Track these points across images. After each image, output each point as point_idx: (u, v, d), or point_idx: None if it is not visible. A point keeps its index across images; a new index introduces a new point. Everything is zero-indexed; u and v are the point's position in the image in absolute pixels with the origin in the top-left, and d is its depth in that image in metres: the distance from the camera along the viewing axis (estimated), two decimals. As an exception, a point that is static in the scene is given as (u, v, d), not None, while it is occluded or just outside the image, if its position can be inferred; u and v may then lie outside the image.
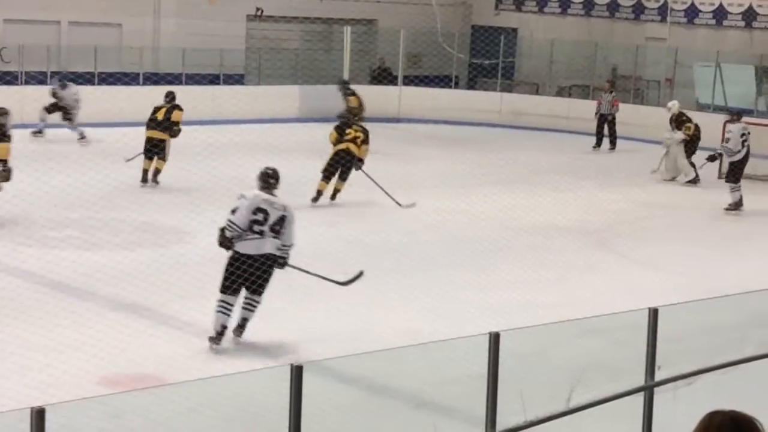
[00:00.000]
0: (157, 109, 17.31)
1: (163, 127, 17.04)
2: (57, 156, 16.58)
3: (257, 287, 9.37)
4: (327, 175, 15.91)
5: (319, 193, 15.84)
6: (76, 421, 6.23)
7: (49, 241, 13.04)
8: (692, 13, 26.66)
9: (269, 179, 9.67)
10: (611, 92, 23.72)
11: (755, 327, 8.23)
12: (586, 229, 15.23)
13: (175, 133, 17.14)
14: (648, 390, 6.74)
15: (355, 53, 26.51)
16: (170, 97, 17.53)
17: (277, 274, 9.63)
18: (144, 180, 16.78)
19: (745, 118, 19.95)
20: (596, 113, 23.44)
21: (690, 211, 16.99)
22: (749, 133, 17.44)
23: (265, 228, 9.31)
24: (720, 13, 26.16)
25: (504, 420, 5.94)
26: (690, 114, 21.05)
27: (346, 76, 25.74)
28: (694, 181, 19.18)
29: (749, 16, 25.62)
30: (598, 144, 23.27)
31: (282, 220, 9.40)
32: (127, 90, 22.28)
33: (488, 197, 17.02)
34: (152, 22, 25.14)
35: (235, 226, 9.28)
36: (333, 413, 7.37)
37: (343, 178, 16.01)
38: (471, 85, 28.77)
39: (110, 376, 8.38)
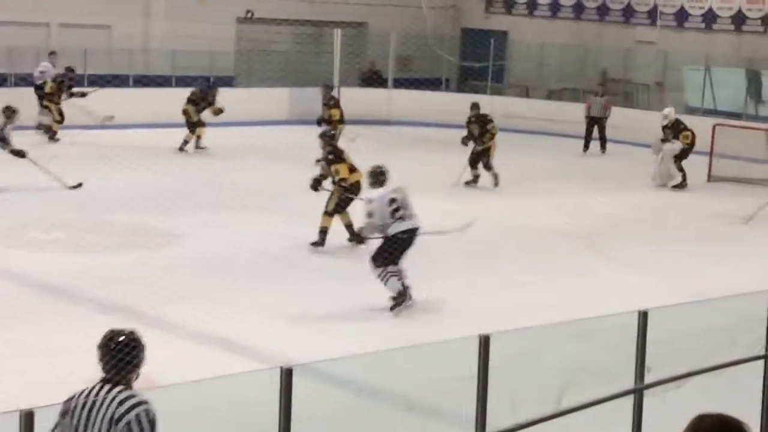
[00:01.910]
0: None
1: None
2: (46, 157, 16.54)
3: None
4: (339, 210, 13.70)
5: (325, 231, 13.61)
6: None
7: (38, 244, 13.02)
8: (682, 16, 26.72)
9: (380, 176, 11.06)
10: (603, 95, 23.76)
11: (744, 329, 8.23)
12: (576, 232, 15.24)
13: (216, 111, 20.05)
14: (637, 392, 6.75)
15: (345, 56, 26.48)
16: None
17: (270, 273, 9.64)
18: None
19: (733, 122, 20.06)
20: (586, 116, 23.46)
21: (679, 215, 17.02)
22: None
23: (405, 211, 10.72)
24: (709, 17, 26.22)
25: (494, 422, 5.94)
26: (679, 117, 21.15)
27: (336, 78, 25.73)
28: (682, 186, 19.19)
29: (738, 19, 25.68)
30: (587, 147, 23.30)
31: (405, 198, 10.82)
32: (117, 92, 22.23)
33: (479, 200, 17.06)
34: (142, 24, 25.10)
35: (376, 224, 10.69)
36: (323, 416, 7.36)
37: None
38: (461, 88, 28.77)
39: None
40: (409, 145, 22.22)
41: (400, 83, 26.48)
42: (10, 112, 16.14)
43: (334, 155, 13.61)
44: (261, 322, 10.17)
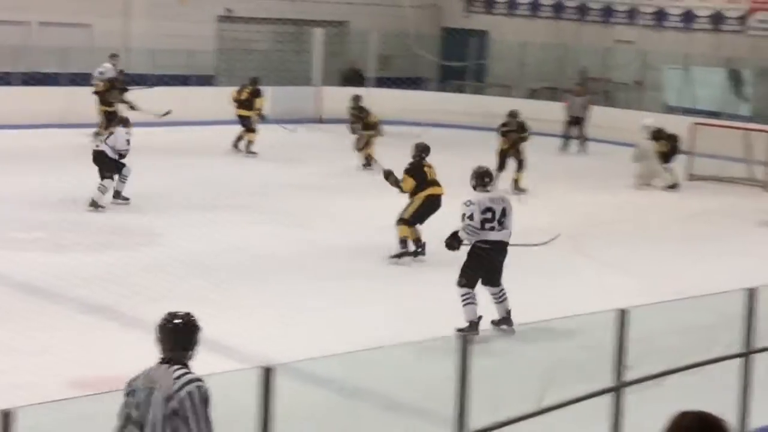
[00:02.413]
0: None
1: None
2: (26, 157, 16.48)
3: (495, 279, 10.16)
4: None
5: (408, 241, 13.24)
6: (45, 424, 6.20)
7: (19, 243, 12.97)
8: (661, 16, 26.82)
9: (485, 178, 10.47)
10: (583, 95, 23.84)
11: (723, 328, 8.28)
12: (557, 231, 15.27)
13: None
14: (617, 390, 6.78)
15: (326, 55, 26.49)
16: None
17: (252, 273, 9.62)
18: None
19: (712, 121, 20.14)
20: (566, 115, 23.55)
21: (659, 214, 17.08)
22: None
23: (495, 224, 10.17)
24: (688, 16, 26.33)
25: (474, 421, 5.95)
26: (657, 116, 21.25)
27: (317, 78, 25.75)
28: (674, 186, 19.13)
29: (717, 19, 25.80)
30: (566, 146, 23.38)
31: (504, 212, 10.24)
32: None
33: (459, 198, 17.06)
34: (122, 23, 25.02)
35: (474, 229, 10.12)
36: (304, 415, 7.36)
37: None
38: (442, 87, 28.80)
39: (79, 379, 8.34)
40: (390, 144, 22.19)
41: (380, 82, 26.46)
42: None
43: (410, 166, 13.42)
44: (242, 321, 10.16)
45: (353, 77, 27.45)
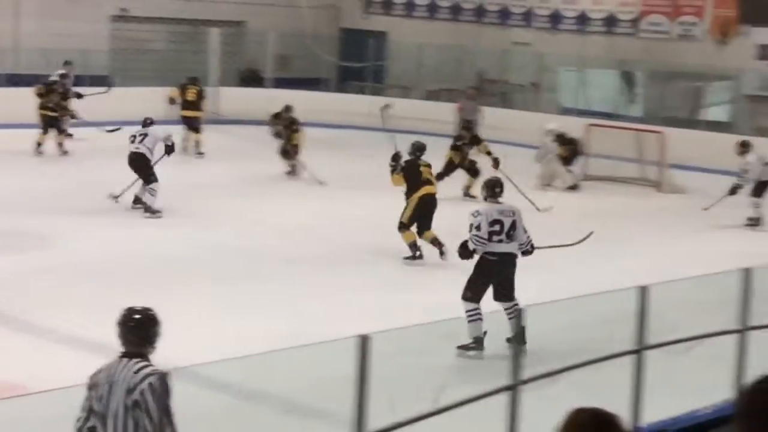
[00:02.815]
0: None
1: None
2: None
3: (507, 293, 9.79)
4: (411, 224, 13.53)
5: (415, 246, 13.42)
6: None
7: None
8: (556, 18, 27.20)
9: (495, 188, 10.28)
10: (476, 98, 24.08)
11: (620, 324, 8.41)
12: (457, 231, 15.37)
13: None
14: (513, 389, 6.83)
15: (223, 55, 26.27)
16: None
17: (152, 276, 9.46)
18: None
19: (606, 122, 20.48)
20: (458, 118, 23.75)
21: (556, 214, 17.27)
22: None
23: (503, 236, 9.94)
24: (582, 19, 26.75)
25: (373, 421, 5.95)
26: (553, 117, 21.52)
27: (214, 78, 25.50)
28: (574, 188, 19.39)
29: (610, 22, 26.26)
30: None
31: (514, 225, 10.02)
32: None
33: (359, 199, 17.09)
34: (12, 23, 24.49)
35: (481, 240, 9.89)
36: (202, 420, 7.28)
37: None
38: (341, 88, 28.80)
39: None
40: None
41: (279, 83, 26.35)
42: None
43: (405, 164, 13.74)
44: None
45: (251, 78, 27.29)
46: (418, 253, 13.27)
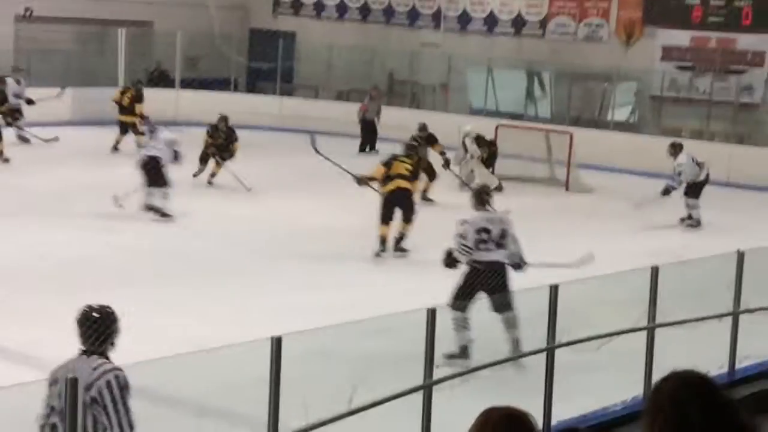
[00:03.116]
0: None
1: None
2: None
3: (503, 303, 9.52)
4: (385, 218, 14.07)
5: (383, 239, 14.06)
6: None
7: None
8: (464, 20, 27.40)
9: (484, 196, 10.18)
10: (379, 99, 24.16)
11: (532, 324, 8.52)
12: (367, 232, 15.41)
13: None
14: (427, 388, 6.87)
15: (130, 56, 25.95)
16: None
17: (54, 279, 9.31)
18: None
19: (515, 122, 20.68)
20: (360, 118, 23.83)
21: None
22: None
23: (490, 245, 9.77)
24: (491, 21, 26.99)
25: (287, 423, 5.94)
26: (463, 118, 21.66)
27: (121, 79, 25.16)
28: (499, 188, 19.41)
29: (518, 23, 26.54)
30: (363, 148, 23.63)
31: (503, 233, 9.85)
32: None
33: (269, 201, 17.02)
34: None
35: (467, 249, 9.74)
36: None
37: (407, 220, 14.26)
38: (250, 89, 28.67)
39: None
40: (199, 146, 21.94)
41: (187, 84, 26.14)
42: None
43: (387, 159, 14.35)
44: (46, 331, 9.83)
45: (159, 78, 27.02)
46: (383, 248, 13.78)
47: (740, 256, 9.14)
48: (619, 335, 9.06)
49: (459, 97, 26.83)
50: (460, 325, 9.53)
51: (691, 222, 16.99)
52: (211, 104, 25.26)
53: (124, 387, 5.35)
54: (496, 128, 21.17)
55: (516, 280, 9.95)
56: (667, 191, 16.98)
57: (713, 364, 9.06)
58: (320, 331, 9.34)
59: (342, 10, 29.29)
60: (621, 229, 16.40)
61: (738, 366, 9.34)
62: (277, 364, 5.80)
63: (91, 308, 5.67)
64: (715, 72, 23.60)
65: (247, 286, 11.86)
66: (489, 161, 19.85)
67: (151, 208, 15.03)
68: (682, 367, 3.06)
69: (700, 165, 17.00)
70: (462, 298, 9.62)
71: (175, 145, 15.46)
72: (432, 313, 6.88)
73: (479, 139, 19.82)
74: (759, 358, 9.69)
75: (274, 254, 13.46)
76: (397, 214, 14.03)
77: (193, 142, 18.74)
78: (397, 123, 23.66)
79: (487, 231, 9.80)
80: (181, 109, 25.30)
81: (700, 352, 9.22)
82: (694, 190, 16.97)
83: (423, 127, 19.33)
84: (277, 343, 5.82)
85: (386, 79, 27.65)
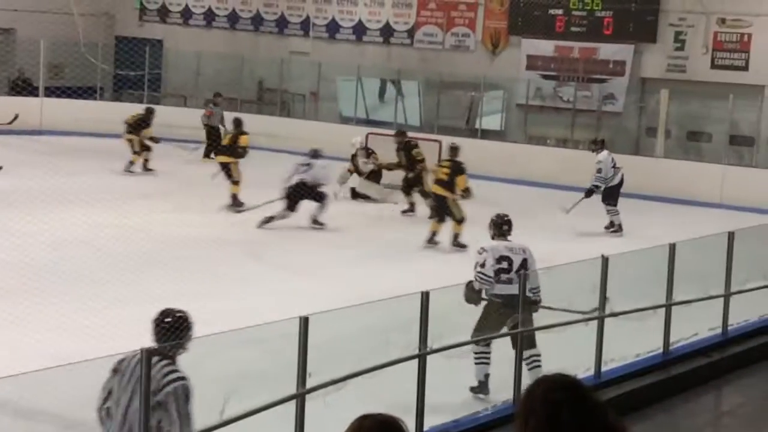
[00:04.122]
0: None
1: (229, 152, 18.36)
2: None
3: (530, 341, 9.03)
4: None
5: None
6: None
7: None
8: (333, 28, 27.47)
9: (503, 226, 9.71)
10: (220, 106, 24.10)
11: (400, 330, 8.56)
12: (234, 240, 15.31)
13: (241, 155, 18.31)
14: (300, 397, 6.85)
15: (-9, 63, 25.33)
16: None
17: None
18: None
19: (384, 131, 20.79)
20: (205, 124, 23.60)
21: (348, 220, 17.38)
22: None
23: (512, 275, 9.21)
24: (359, 29, 27.12)
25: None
26: (332, 126, 21.67)
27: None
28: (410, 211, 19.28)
29: (386, 32, 26.73)
30: (208, 154, 23.43)
31: (524, 263, 9.29)
32: None
33: (137, 210, 16.75)
34: None
35: (486, 278, 9.20)
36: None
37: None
38: (117, 97, 28.23)
39: None
40: (62, 155, 21.51)
41: (51, 91, 25.59)
42: None
43: None
44: None
45: (22, 86, 26.39)
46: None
47: (605, 261, 9.34)
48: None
49: (329, 106, 26.88)
50: (482, 359, 9.15)
51: (614, 229, 17.34)
52: (76, 112, 24.87)
53: (188, 396, 5.62)
54: (367, 136, 21.26)
55: (381, 286, 9.97)
56: (590, 192, 17.37)
57: (581, 367, 9.26)
58: (191, 342, 9.19)
59: (209, 17, 29.08)
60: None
61: (604, 369, 9.55)
62: (147, 376, 5.70)
63: (166, 313, 5.90)
64: (578, 81, 24.15)
65: (112, 296, 11.63)
66: (379, 173, 19.91)
67: (316, 221, 16.63)
68: (552, 371, 3.11)
69: (615, 168, 17.39)
70: (483, 333, 9.15)
71: (322, 179, 16.92)
72: (304, 322, 6.87)
73: (366, 150, 19.93)
74: (623, 361, 9.94)
75: (139, 264, 13.24)
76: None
77: (53, 151, 18.34)
78: (268, 131, 23.62)
79: (507, 260, 9.32)
80: (46, 118, 24.78)
81: (568, 355, 9.43)
82: (611, 194, 17.32)
83: (216, 134, 19.84)
84: (147, 355, 5.72)
85: (256, 87, 27.53)
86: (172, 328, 5.75)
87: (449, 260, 14.64)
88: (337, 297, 11.18)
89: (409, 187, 18.62)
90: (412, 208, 18.39)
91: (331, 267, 14.08)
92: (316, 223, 16.61)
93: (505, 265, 9.27)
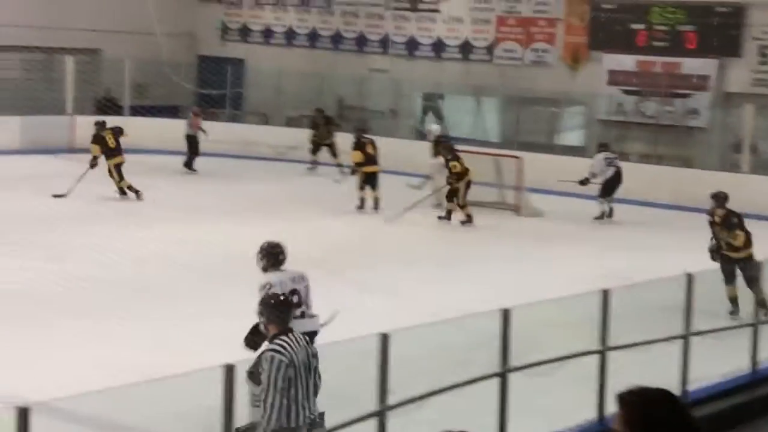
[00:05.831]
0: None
1: None
2: None
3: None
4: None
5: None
6: None
7: None
8: (412, 45, 27.53)
9: (279, 256, 8.53)
10: (200, 116, 24.11)
11: (478, 348, 8.52)
12: (315, 257, 15.37)
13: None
14: (381, 414, 6.85)
15: (78, 83, 25.79)
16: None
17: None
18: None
19: (464, 147, 20.78)
20: (188, 133, 23.59)
21: (415, 237, 17.40)
22: (616, 157, 20.16)
23: (304, 307, 8.34)
24: (438, 46, 27.14)
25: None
26: (412, 143, 21.65)
27: (69, 106, 24.97)
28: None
29: (465, 49, 26.71)
30: (190, 164, 23.42)
31: (308, 290, 8.51)
32: None
33: (218, 227, 16.94)
34: None
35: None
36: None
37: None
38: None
39: None
40: (149, 174, 21.83)
41: (136, 111, 26.00)
42: None
43: None
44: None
45: (108, 106, 26.85)
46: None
47: (689, 279, 9.21)
48: (571, 359, 9.10)
49: (408, 123, 26.93)
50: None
51: (599, 217, 19.60)
52: (160, 131, 25.22)
53: (270, 362, 6.62)
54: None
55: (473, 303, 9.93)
56: (583, 182, 19.89)
57: (665, 387, 9.12)
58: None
59: (290, 36, 29.34)
60: (572, 253, 16.48)
61: (690, 388, 9.41)
62: (230, 391, 5.75)
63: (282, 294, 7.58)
64: (661, 96, 23.88)
65: (192, 312, 11.74)
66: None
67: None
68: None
69: (610, 165, 19.78)
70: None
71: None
72: (384, 339, 6.87)
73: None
74: (709, 380, 9.78)
75: (217, 280, 13.36)
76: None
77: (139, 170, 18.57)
78: (342, 148, 23.69)
79: (296, 292, 8.36)
80: (132, 137, 25.13)
81: (652, 374, 9.30)
82: (605, 187, 19.69)
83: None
84: (228, 371, 5.77)
85: (335, 105, 27.68)
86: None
87: (527, 272, 14.56)
88: (411, 314, 11.18)
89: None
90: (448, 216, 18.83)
91: (406, 282, 14.03)
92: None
93: (296, 299, 8.15)
